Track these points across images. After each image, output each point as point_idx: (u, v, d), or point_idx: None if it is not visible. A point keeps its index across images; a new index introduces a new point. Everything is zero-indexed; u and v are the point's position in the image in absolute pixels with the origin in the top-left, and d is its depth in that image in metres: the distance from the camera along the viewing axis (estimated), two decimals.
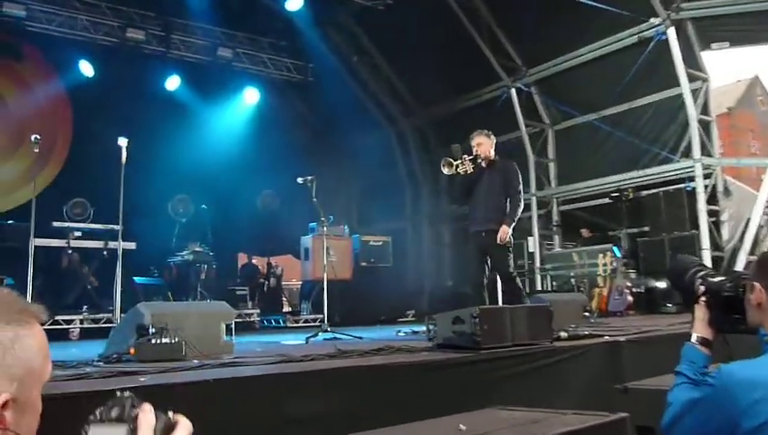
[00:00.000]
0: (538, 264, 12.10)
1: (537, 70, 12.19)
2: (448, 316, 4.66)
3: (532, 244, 12.38)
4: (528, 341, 4.60)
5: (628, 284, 9.97)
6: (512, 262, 6.14)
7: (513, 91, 12.46)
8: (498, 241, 5.96)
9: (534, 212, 12.48)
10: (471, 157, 6.17)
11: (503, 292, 6.13)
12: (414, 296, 13.65)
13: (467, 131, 14.66)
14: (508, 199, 6.15)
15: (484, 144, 6.30)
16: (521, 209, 6.21)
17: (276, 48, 13.81)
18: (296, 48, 13.82)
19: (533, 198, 12.45)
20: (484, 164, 6.21)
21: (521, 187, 6.30)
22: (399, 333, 7.10)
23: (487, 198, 6.15)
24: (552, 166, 12.75)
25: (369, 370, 3.88)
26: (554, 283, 11.46)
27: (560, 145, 12.68)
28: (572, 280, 10.78)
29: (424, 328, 5.96)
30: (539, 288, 11.64)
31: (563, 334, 5.13)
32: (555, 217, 12.57)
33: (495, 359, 4.29)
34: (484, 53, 12.14)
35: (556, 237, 12.48)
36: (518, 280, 6.15)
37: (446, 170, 6.10)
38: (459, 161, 6.08)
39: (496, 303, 6.12)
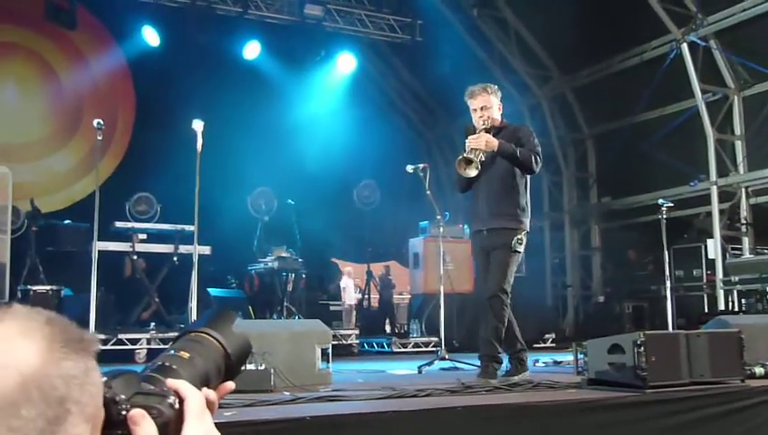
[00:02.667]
0: (720, 275, 11.60)
1: (718, 17, 11.67)
2: (603, 343, 4.61)
3: (713, 248, 11.88)
4: (711, 378, 4.48)
5: None
6: (511, 274, 5.65)
7: (685, 46, 12.00)
8: (485, 143, 5.46)
9: (715, 206, 11.97)
10: (481, 130, 5.64)
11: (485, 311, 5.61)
12: (554, 316, 13.51)
13: (622, 101, 14.34)
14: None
15: (491, 105, 5.78)
16: (537, 166, 5.66)
17: (376, 2, 13.99)
18: (400, 1, 13.95)
19: (713, 188, 11.95)
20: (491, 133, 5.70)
21: (539, 148, 5.75)
22: (537, 363, 7.09)
23: (491, 183, 5.69)
24: (739, 144, 12.18)
25: (502, 411, 3.91)
26: (743, 300, 10.96)
27: (750, 117, 12.09)
28: None
29: (569, 357, 5.91)
30: (722, 307, 11.17)
31: (759, 370, 4.96)
32: (744, 213, 12.01)
33: (667, 401, 4.21)
34: None
35: (745, 240, 11.92)
36: (507, 300, 5.61)
37: (472, 172, 5.52)
38: (474, 152, 5.52)
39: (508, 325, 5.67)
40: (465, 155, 5.52)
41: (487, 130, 5.63)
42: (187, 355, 1.17)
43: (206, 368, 1.18)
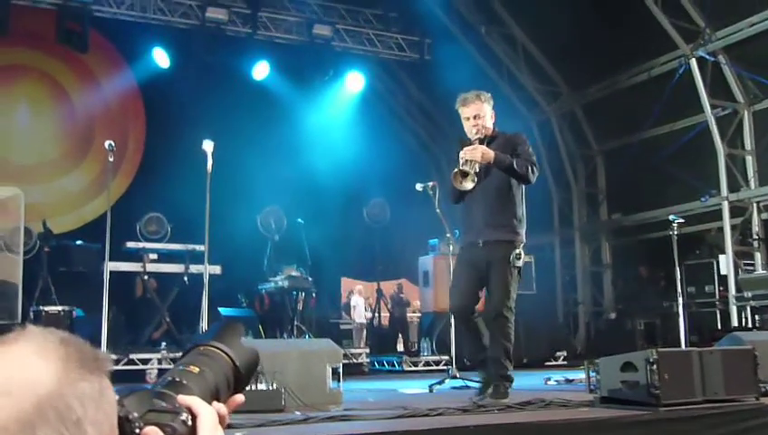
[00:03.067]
0: (733, 291, 11.53)
1: (727, 32, 11.67)
2: (615, 361, 4.58)
3: (725, 264, 11.82)
4: (725, 396, 4.44)
5: None
6: (515, 291, 5.42)
7: (694, 61, 11.99)
8: (487, 161, 5.26)
9: (727, 221, 11.91)
10: (475, 140, 5.42)
11: (489, 331, 5.43)
12: (565, 333, 13.45)
13: (632, 117, 14.35)
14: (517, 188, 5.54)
15: (484, 113, 5.56)
16: (534, 176, 5.46)
17: (384, 21, 14.07)
18: (408, 20, 14.02)
19: (724, 203, 11.90)
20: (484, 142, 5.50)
21: (534, 157, 5.57)
22: (549, 382, 7.06)
23: (486, 194, 5.46)
24: (750, 159, 12.14)
25: (514, 430, 3.89)
26: (757, 316, 10.89)
27: (761, 131, 12.06)
28: None
29: (581, 375, 5.87)
30: (735, 324, 11.09)
31: None
32: (756, 228, 11.95)
33: (680, 420, 4.17)
34: (652, 14, 11.79)
35: (758, 255, 11.85)
36: (512, 319, 5.39)
37: (469, 185, 5.30)
38: (469, 164, 5.30)
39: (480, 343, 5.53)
40: (460, 168, 5.28)
41: (481, 141, 5.45)
42: (197, 369, 1.17)
43: (216, 381, 1.18)
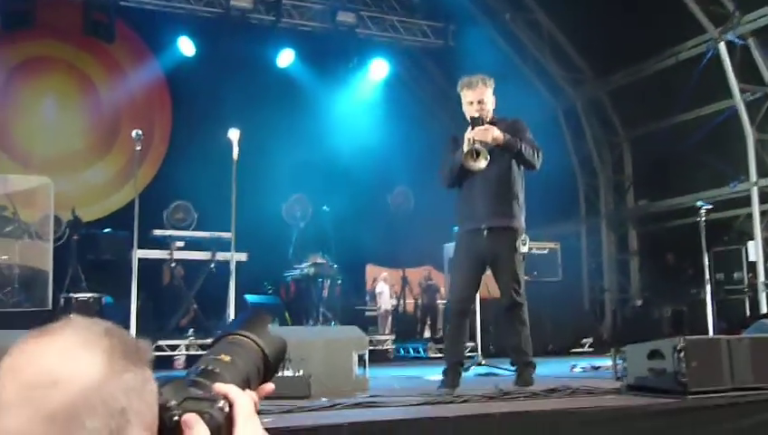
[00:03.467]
0: (762, 277, 11.41)
1: (756, 15, 11.50)
2: (642, 348, 4.55)
3: (753, 251, 11.70)
4: (754, 384, 4.39)
5: None
6: (522, 278, 5.41)
7: (723, 45, 11.83)
8: (492, 136, 5.12)
9: (756, 207, 11.77)
10: (476, 124, 5.27)
11: (502, 321, 5.39)
12: (591, 320, 13.39)
13: (658, 103, 14.19)
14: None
15: (487, 99, 5.43)
16: (539, 161, 5.39)
17: (408, 8, 14.03)
18: (433, 6, 13.97)
19: (754, 189, 11.76)
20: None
21: (537, 143, 5.46)
22: (575, 369, 7.04)
23: (488, 180, 5.33)
24: None
25: (540, 417, 3.88)
26: None
27: None
28: None
29: (607, 362, 5.85)
30: (764, 311, 10.99)
31: None
32: None
33: (708, 408, 4.14)
34: None
35: None
36: (525, 305, 5.37)
37: (482, 165, 5.14)
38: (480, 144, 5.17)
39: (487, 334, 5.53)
40: (473, 147, 5.12)
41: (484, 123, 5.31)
42: (227, 358, 1.18)
43: (246, 370, 1.19)
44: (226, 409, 1.10)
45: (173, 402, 1.05)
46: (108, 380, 0.95)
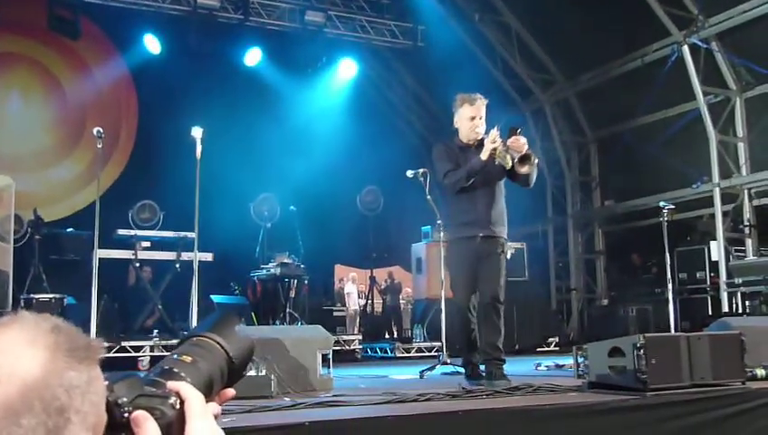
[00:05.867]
0: (724, 277, 11.57)
1: (720, 19, 11.66)
2: (603, 346, 4.60)
3: (716, 250, 11.86)
4: (712, 381, 4.46)
5: None
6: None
7: (686, 48, 11.99)
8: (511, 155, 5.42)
9: (718, 208, 11.95)
10: (513, 133, 5.60)
11: (481, 320, 5.66)
12: (557, 320, 13.50)
13: (624, 104, 14.33)
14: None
15: (484, 114, 5.79)
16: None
17: (377, 8, 14.03)
18: (401, 7, 13.99)
19: (716, 190, 11.94)
20: (476, 144, 5.74)
21: None
22: (540, 367, 7.10)
23: (489, 190, 5.71)
24: (741, 146, 12.16)
25: (502, 414, 3.90)
26: (747, 302, 10.95)
27: (753, 118, 12.07)
28: None
29: (571, 361, 5.89)
30: (726, 310, 11.14)
31: (761, 372, 4.94)
32: (747, 215, 11.99)
33: (667, 404, 4.19)
34: (645, 1, 11.77)
35: (749, 242, 11.89)
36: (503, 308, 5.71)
37: (526, 169, 5.53)
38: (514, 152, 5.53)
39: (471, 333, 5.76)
40: (524, 151, 5.44)
41: (480, 142, 5.64)
42: (189, 359, 1.18)
43: (209, 372, 1.18)
44: (177, 405, 1.09)
45: (124, 399, 1.04)
46: (48, 377, 0.93)
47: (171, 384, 1.11)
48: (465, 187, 5.66)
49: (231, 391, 1.25)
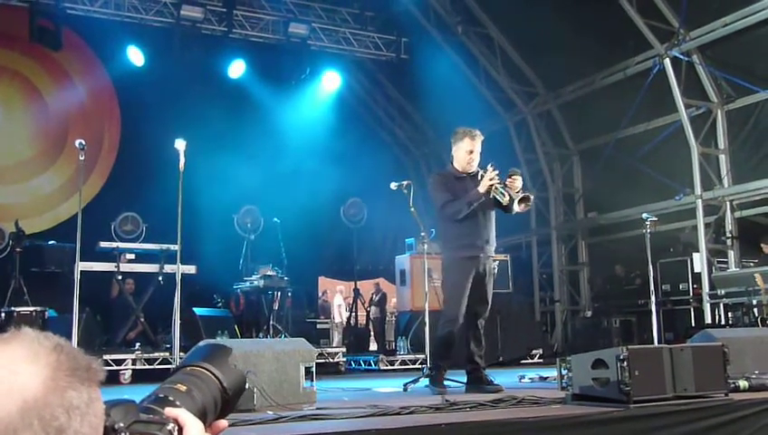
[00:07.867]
0: (707, 289, 11.64)
1: (701, 32, 11.77)
2: (586, 358, 4.60)
3: (699, 262, 11.93)
4: (695, 392, 4.47)
5: None
6: None
7: (668, 61, 12.08)
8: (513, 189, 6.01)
9: (700, 220, 12.02)
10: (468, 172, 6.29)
11: (470, 334, 6.19)
12: (541, 331, 13.51)
13: (606, 117, 14.40)
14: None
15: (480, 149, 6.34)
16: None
17: (361, 20, 14.07)
18: (385, 19, 14.04)
19: (698, 202, 12.01)
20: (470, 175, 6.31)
21: None
22: (523, 380, 7.10)
23: (487, 215, 6.27)
24: (723, 158, 12.26)
25: (485, 427, 3.90)
26: (730, 313, 11.00)
27: (734, 130, 12.18)
28: (755, 310, 10.30)
29: (555, 373, 5.89)
30: (708, 321, 11.20)
31: (743, 384, 4.95)
32: (729, 227, 12.07)
33: (650, 416, 4.20)
34: (627, 14, 11.87)
35: (731, 253, 11.96)
36: None
37: (525, 208, 6.17)
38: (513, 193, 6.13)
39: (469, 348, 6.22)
40: (525, 193, 6.03)
41: (475, 175, 6.19)
42: (184, 388, 1.17)
43: (203, 401, 1.18)
44: (176, 432, 1.08)
45: (121, 425, 1.03)
46: (49, 396, 0.92)
47: (169, 411, 1.11)
48: (467, 216, 6.12)
49: (224, 423, 1.24)
